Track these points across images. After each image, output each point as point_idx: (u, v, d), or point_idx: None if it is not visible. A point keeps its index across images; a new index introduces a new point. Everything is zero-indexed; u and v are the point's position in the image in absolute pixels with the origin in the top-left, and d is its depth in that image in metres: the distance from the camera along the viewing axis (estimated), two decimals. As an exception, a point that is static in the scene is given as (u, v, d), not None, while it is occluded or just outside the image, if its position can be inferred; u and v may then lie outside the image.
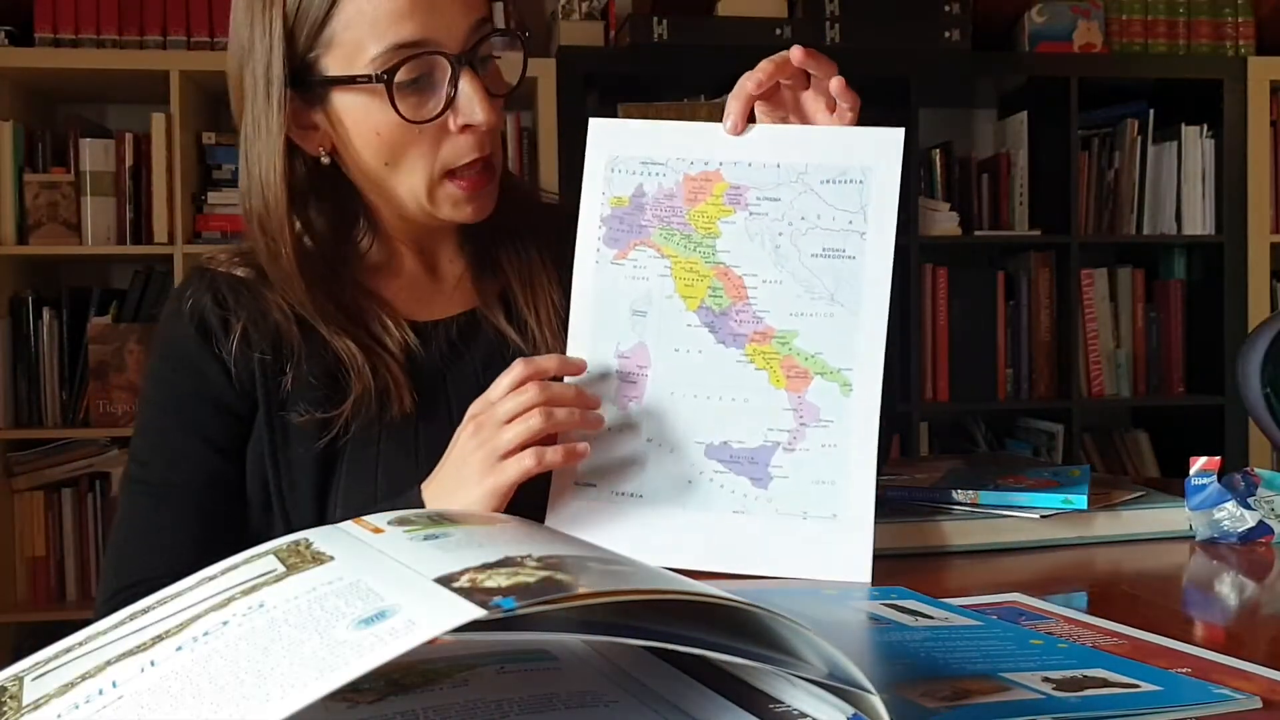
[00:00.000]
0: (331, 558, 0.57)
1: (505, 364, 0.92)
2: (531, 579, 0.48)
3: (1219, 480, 1.01)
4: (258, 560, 0.59)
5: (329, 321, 1.01)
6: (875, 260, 0.91)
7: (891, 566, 0.93)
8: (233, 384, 1.02)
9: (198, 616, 0.53)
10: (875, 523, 0.97)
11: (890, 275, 0.91)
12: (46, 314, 2.73)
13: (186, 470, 1.01)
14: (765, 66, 0.94)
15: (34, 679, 0.54)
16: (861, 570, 0.88)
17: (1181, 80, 3.01)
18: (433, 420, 1.03)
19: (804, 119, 0.97)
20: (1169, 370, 3.12)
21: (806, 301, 0.92)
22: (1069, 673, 0.61)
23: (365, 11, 0.95)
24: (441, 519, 0.65)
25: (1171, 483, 1.17)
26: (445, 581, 0.49)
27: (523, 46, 1.05)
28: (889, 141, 0.92)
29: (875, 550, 0.96)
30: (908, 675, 0.60)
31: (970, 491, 1.02)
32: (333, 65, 0.97)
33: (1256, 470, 1.05)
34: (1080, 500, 0.99)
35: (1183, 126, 3.02)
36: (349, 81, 0.97)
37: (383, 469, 1.01)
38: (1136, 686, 0.59)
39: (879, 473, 1.13)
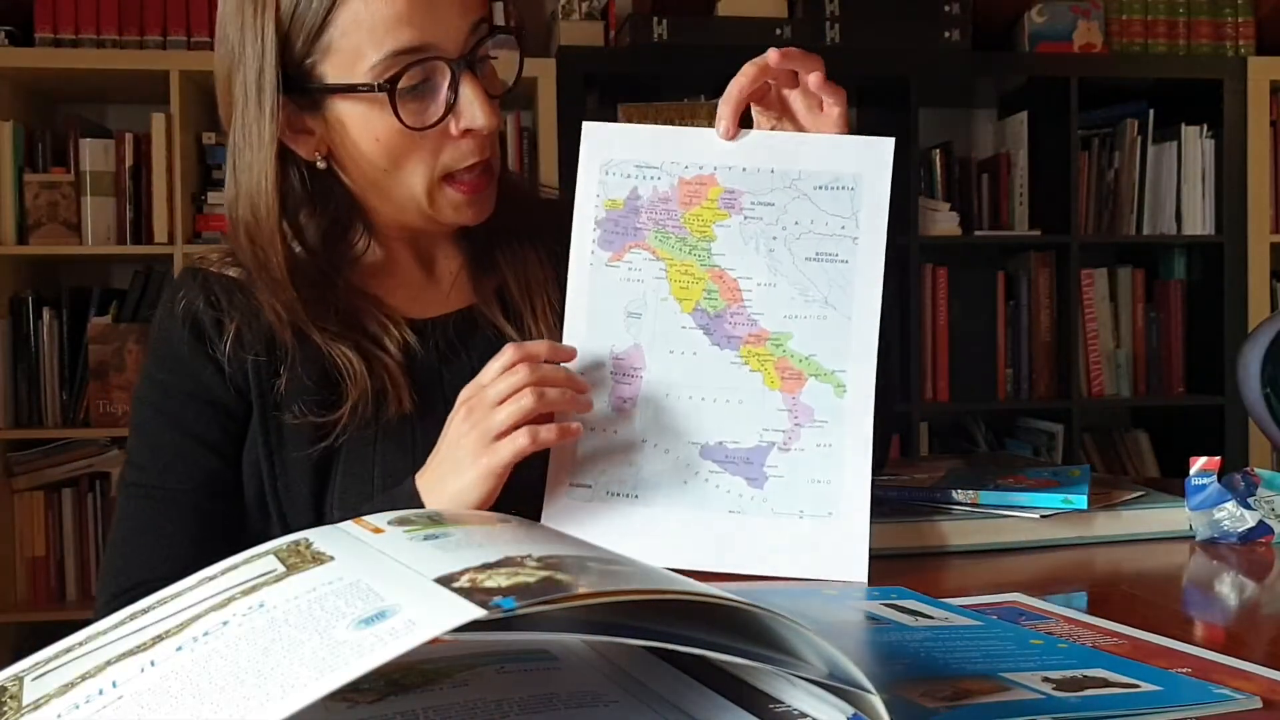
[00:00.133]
0: (331, 558, 0.57)
1: None
2: (531, 579, 0.48)
3: (1219, 480, 1.01)
4: (258, 560, 0.59)
5: (322, 328, 1.00)
6: (867, 264, 0.93)
7: (891, 566, 0.93)
8: (227, 384, 1.01)
9: (198, 616, 0.53)
10: (874, 522, 0.97)
11: (881, 279, 0.92)
12: (46, 314, 2.73)
13: (183, 471, 1.01)
14: (748, 70, 0.95)
15: (34, 679, 0.54)
16: (858, 569, 0.88)
17: (1181, 80, 3.01)
18: (430, 418, 1.02)
19: (793, 117, 0.98)
20: (1169, 370, 3.12)
21: (800, 304, 0.93)
22: (1069, 673, 0.61)
23: (363, 19, 0.94)
24: (441, 519, 0.65)
25: (1171, 483, 1.17)
26: (445, 581, 0.49)
27: (519, 44, 1.05)
28: (880, 150, 0.94)
29: (875, 550, 0.96)
30: (908, 675, 0.60)
31: (970, 491, 1.02)
32: (330, 72, 0.96)
33: (1256, 470, 1.05)
34: (1080, 500, 0.99)
35: (1183, 126, 3.02)
36: (349, 90, 0.96)
37: (380, 468, 1.01)
38: (1136, 686, 0.59)
39: (878, 473, 1.14)
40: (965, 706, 0.55)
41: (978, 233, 3.04)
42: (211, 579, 0.59)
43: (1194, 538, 1.02)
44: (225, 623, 0.51)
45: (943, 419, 3.15)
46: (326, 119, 0.99)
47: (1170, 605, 0.86)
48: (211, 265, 1.06)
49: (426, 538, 0.59)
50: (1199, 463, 1.02)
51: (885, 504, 1.04)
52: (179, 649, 0.50)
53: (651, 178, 0.97)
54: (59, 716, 0.48)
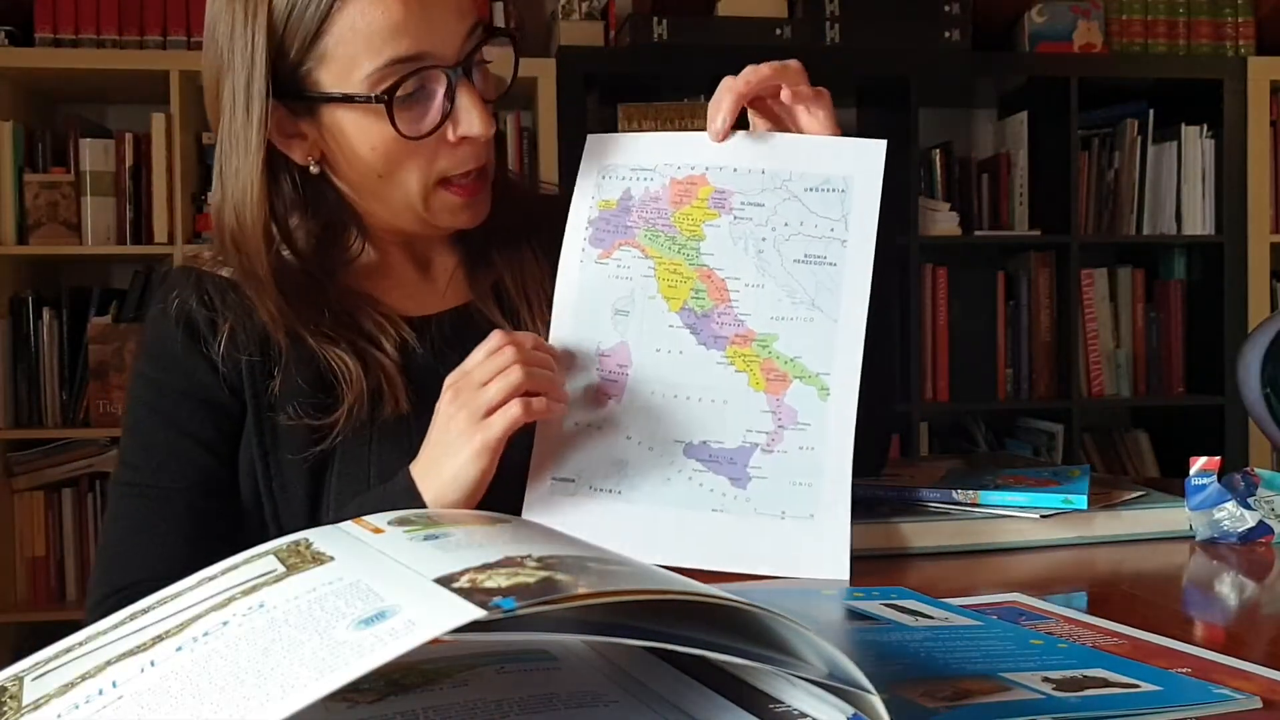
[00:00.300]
0: (331, 558, 0.57)
1: None
2: (531, 579, 0.48)
3: (1219, 480, 1.01)
4: (258, 560, 0.59)
5: (314, 332, 1.00)
6: (855, 268, 0.92)
7: (891, 566, 0.93)
8: (221, 383, 1.01)
9: (198, 617, 0.53)
10: (874, 522, 0.98)
11: (870, 283, 0.92)
12: (46, 314, 2.73)
13: (176, 470, 1.01)
14: (739, 86, 0.95)
15: (34, 679, 0.54)
16: (839, 569, 0.87)
17: (1181, 80, 3.01)
18: (426, 417, 1.02)
19: (786, 119, 0.98)
20: (1169, 370, 3.12)
21: (788, 306, 0.93)
22: (1069, 673, 0.61)
23: (359, 27, 0.93)
24: (441, 519, 0.65)
25: (1171, 483, 1.16)
26: (445, 582, 0.49)
27: (515, 46, 1.04)
28: (871, 152, 0.94)
29: (876, 550, 0.96)
30: (908, 675, 0.60)
31: (970, 491, 1.02)
32: (325, 80, 0.95)
33: (1256, 470, 1.05)
34: (1080, 500, 0.99)
35: (1183, 126, 3.02)
36: (346, 100, 0.95)
37: (375, 468, 1.01)
38: (1136, 686, 0.59)
39: (878, 473, 1.14)
40: (965, 706, 0.55)
41: (978, 233, 3.04)
42: (211, 579, 0.59)
43: (1194, 538, 1.02)
44: (225, 623, 0.51)
45: (943, 419, 3.15)
46: (320, 124, 0.98)
47: (1170, 605, 0.86)
48: (205, 264, 1.05)
49: (426, 538, 0.59)
50: (1199, 463, 1.01)
51: (885, 504, 1.04)
52: (179, 649, 0.50)
53: (644, 178, 0.97)
54: (59, 716, 0.48)
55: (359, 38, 0.93)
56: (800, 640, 0.52)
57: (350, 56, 0.94)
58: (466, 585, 0.48)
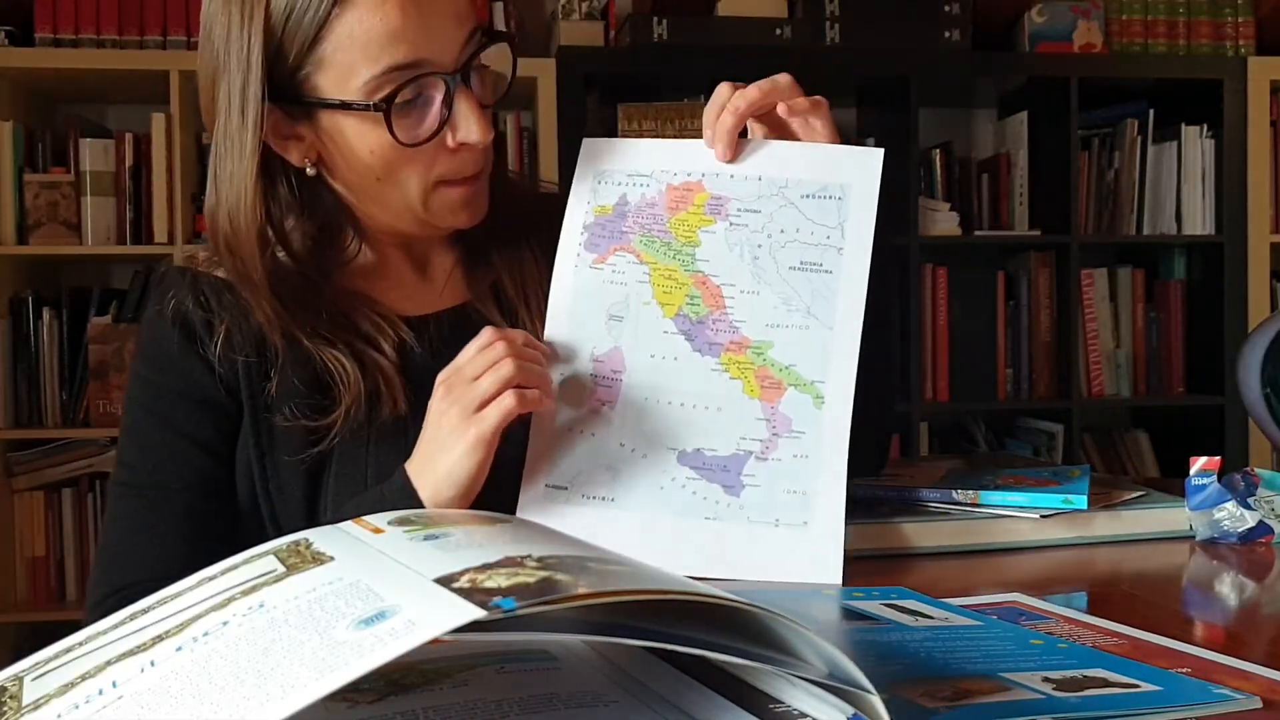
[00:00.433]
0: (331, 558, 0.57)
1: None
2: (531, 579, 0.48)
3: (1219, 480, 1.01)
4: (258, 560, 0.59)
5: (311, 335, 1.00)
6: (851, 275, 0.92)
7: (891, 566, 0.93)
8: (218, 384, 1.01)
9: (198, 617, 0.53)
10: (874, 522, 0.98)
11: (865, 291, 0.92)
12: (46, 314, 2.73)
13: (174, 471, 1.00)
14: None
15: (34, 679, 0.54)
16: (832, 575, 0.87)
17: (1181, 80, 3.01)
18: (424, 417, 1.02)
19: (784, 128, 0.98)
20: (1169, 370, 3.12)
21: (783, 313, 0.92)
22: (1069, 673, 0.61)
23: (357, 34, 0.92)
24: (441, 519, 0.65)
25: (1171, 483, 1.16)
26: (445, 582, 0.49)
27: (514, 50, 1.03)
28: (868, 160, 0.94)
29: (876, 550, 0.96)
30: (908, 675, 0.60)
31: (970, 491, 1.02)
32: (323, 85, 0.95)
33: (1256, 470, 1.05)
34: (1080, 500, 0.99)
35: (1183, 126, 3.02)
36: (344, 107, 0.94)
37: (373, 469, 1.00)
38: (1136, 686, 0.59)
39: (878, 474, 1.14)
40: (965, 706, 0.55)
41: (978, 233, 3.04)
42: (211, 579, 0.59)
43: (1194, 538, 1.02)
44: (225, 623, 0.51)
45: (943, 419, 3.15)
46: (317, 128, 0.97)
47: (1170, 605, 0.86)
48: (200, 265, 1.05)
49: (426, 538, 0.59)
50: (1199, 463, 1.01)
51: (885, 504, 1.04)
52: (179, 649, 0.50)
53: (641, 184, 0.97)
54: (59, 716, 0.48)
55: (357, 45, 0.92)
56: (800, 640, 0.52)
57: (348, 63, 0.93)
58: (466, 585, 0.48)
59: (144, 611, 0.58)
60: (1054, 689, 0.58)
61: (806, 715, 0.51)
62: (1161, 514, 1.03)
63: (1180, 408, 3.11)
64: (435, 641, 0.44)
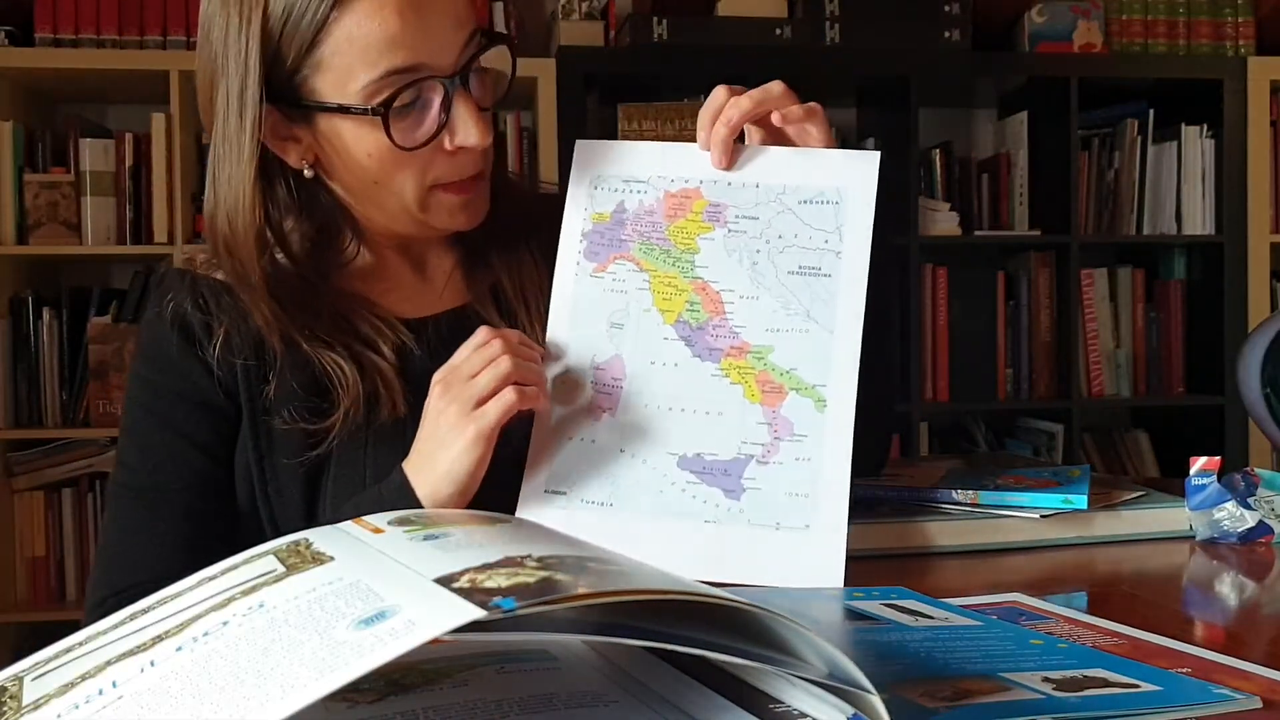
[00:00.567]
0: (331, 558, 0.57)
1: None
2: (531, 579, 0.48)
3: (1219, 480, 1.01)
4: (258, 560, 0.59)
5: (309, 337, 1.00)
6: (850, 278, 0.92)
7: (891, 567, 0.93)
8: (217, 386, 1.01)
9: (198, 617, 0.53)
10: (874, 522, 0.98)
11: (864, 293, 0.92)
12: (46, 314, 2.73)
13: (173, 472, 1.00)
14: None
15: (34, 679, 0.54)
16: (834, 577, 0.87)
17: (1181, 80, 3.01)
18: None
19: (781, 133, 0.98)
20: (1169, 370, 3.12)
21: (782, 317, 0.93)
22: (1069, 673, 0.61)
23: (356, 38, 0.92)
24: (441, 519, 0.65)
25: (1171, 483, 1.17)
26: (445, 582, 0.49)
27: (513, 52, 1.03)
28: (864, 164, 0.95)
29: (877, 550, 0.96)
30: (908, 675, 0.60)
31: (970, 491, 1.02)
32: (321, 88, 0.94)
33: (1256, 470, 1.05)
34: (1080, 500, 0.99)
35: (1183, 126, 3.02)
36: (341, 110, 0.94)
37: (371, 471, 1.00)
38: (1136, 686, 0.59)
39: (878, 474, 1.14)
40: (965, 706, 0.55)
41: (978, 233, 3.04)
42: (211, 579, 0.59)
43: (1194, 538, 1.02)
44: (225, 623, 0.51)
45: (943, 419, 3.15)
46: (315, 130, 0.97)
47: (1170, 605, 0.86)
48: (199, 266, 1.05)
49: (426, 538, 0.59)
50: (1199, 463, 1.02)
51: (885, 504, 1.04)
52: (179, 649, 0.50)
53: (638, 191, 0.98)
54: (59, 716, 0.48)
55: (355, 49, 0.92)
56: (800, 640, 0.52)
57: (346, 67, 0.93)
58: (466, 585, 0.48)
59: (144, 611, 0.58)
60: (1054, 689, 0.58)
61: (806, 715, 0.51)
62: (1161, 514, 1.03)
63: (1180, 408, 3.11)
64: (435, 641, 0.44)
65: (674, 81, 2.88)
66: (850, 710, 0.50)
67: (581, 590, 0.47)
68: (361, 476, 1.00)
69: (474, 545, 0.56)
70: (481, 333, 0.93)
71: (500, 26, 2.85)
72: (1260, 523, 0.99)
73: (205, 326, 1.01)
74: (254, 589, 0.54)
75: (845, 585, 0.86)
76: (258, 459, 1.01)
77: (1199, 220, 3.03)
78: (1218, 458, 1.02)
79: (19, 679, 0.55)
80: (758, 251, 0.94)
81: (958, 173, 3.07)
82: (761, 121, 0.98)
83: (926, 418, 3.06)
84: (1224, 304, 2.97)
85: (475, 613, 0.44)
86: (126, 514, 1.01)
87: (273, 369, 1.00)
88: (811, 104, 0.97)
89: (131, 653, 0.52)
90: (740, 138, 0.98)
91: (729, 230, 0.95)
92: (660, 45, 2.81)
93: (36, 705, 0.50)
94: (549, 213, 1.03)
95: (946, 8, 2.91)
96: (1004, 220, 3.08)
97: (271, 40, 0.93)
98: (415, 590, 0.49)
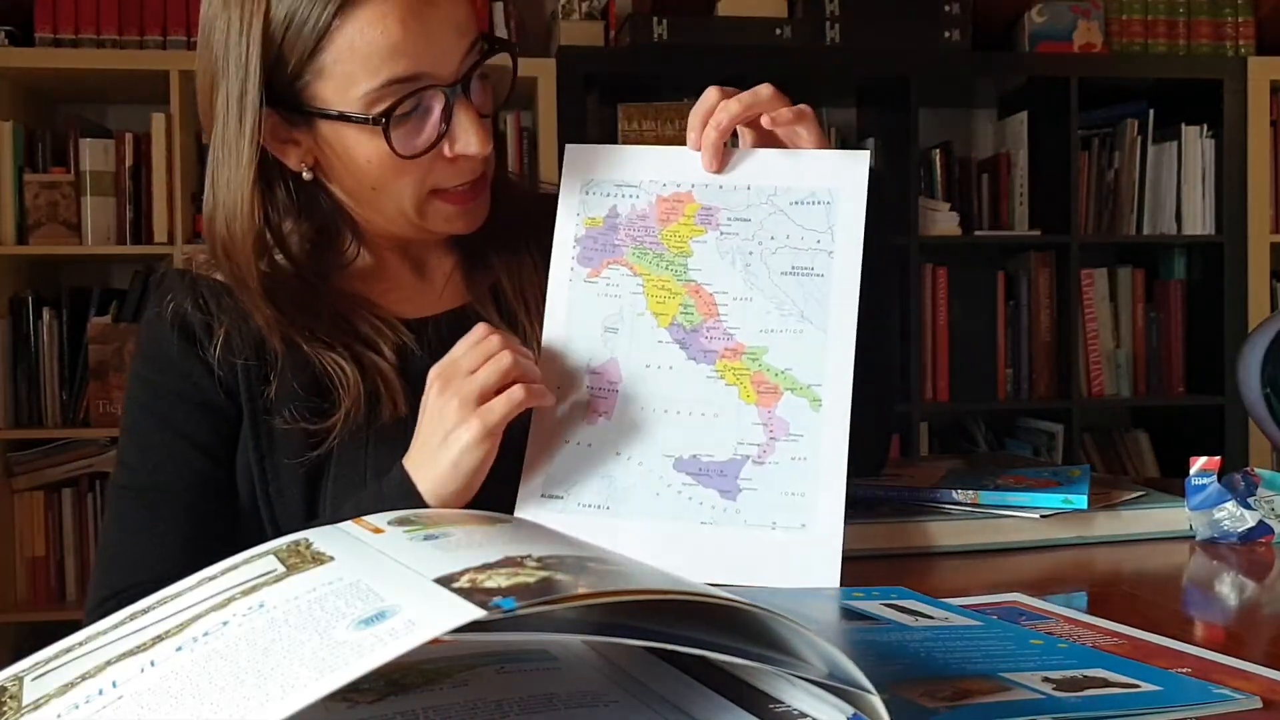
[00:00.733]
0: (331, 558, 0.57)
1: None
2: (531, 579, 0.48)
3: (1219, 480, 1.01)
4: (258, 560, 0.59)
5: (310, 338, 1.00)
6: (843, 278, 0.92)
7: (891, 566, 0.93)
8: (217, 386, 1.01)
9: (198, 617, 0.53)
10: (874, 522, 0.98)
11: (858, 292, 0.92)
12: (46, 314, 2.73)
13: (173, 472, 1.00)
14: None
15: (34, 679, 0.54)
16: (830, 576, 0.87)
17: (1181, 80, 3.01)
18: None
19: (772, 135, 0.98)
20: (1169, 370, 3.12)
21: (776, 318, 0.93)
22: (1069, 673, 0.61)
23: (358, 46, 0.92)
24: (441, 519, 0.65)
25: (1171, 483, 1.17)
26: (445, 582, 0.49)
27: (514, 58, 1.03)
28: (855, 164, 0.94)
29: (876, 550, 0.96)
30: (908, 675, 0.60)
31: (970, 491, 1.02)
32: (322, 94, 0.94)
33: (1256, 470, 1.05)
34: (1080, 500, 0.99)
35: (1183, 126, 3.02)
36: (342, 118, 0.94)
37: (372, 471, 1.00)
38: (1136, 686, 0.59)
39: (878, 474, 1.14)
40: (965, 706, 0.55)
41: (978, 233, 3.04)
42: (211, 579, 0.59)
43: (1194, 538, 1.02)
44: (225, 623, 0.51)
45: (943, 419, 3.15)
46: (315, 134, 0.97)
47: (1170, 605, 0.86)
48: (199, 267, 1.05)
49: (426, 538, 0.59)
50: (1199, 463, 1.02)
51: (885, 504, 1.04)
52: (179, 649, 0.50)
53: (630, 196, 0.98)
54: (59, 716, 0.48)
55: (357, 57, 0.92)
56: (800, 640, 0.52)
57: (347, 74, 0.93)
58: (466, 585, 0.48)
59: (144, 611, 0.58)
60: (1054, 689, 0.58)
61: (806, 715, 0.51)
62: (1161, 514, 1.03)
63: (1180, 408, 3.11)
64: (435, 641, 0.44)
65: (674, 81, 2.88)
66: (850, 710, 0.50)
67: (581, 590, 0.47)
68: (362, 477, 1.00)
69: (474, 545, 0.56)
70: (479, 329, 0.93)
71: (500, 27, 2.86)
72: (1260, 523, 0.99)
73: (206, 327, 1.01)
74: (254, 589, 0.54)
75: (844, 585, 0.86)
76: (258, 459, 1.01)
77: (1199, 220, 3.03)
78: (1218, 458, 1.02)
79: (19, 679, 0.55)
80: (750, 253, 0.94)
81: (958, 173, 3.07)
82: (752, 124, 0.98)
83: (926, 418, 3.06)
84: (1224, 304, 2.97)
85: (475, 613, 0.44)
86: (127, 514, 1.01)
87: (274, 369, 1.00)
88: (801, 106, 0.97)
89: (131, 653, 0.52)
90: (733, 140, 0.98)
91: (721, 233, 0.95)
92: (660, 45, 2.81)
93: (36, 705, 0.50)
94: (549, 213, 1.03)
95: (946, 8, 2.91)
96: (1004, 220, 3.08)
97: (273, 45, 0.93)
98: (415, 590, 0.49)
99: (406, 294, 1.09)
